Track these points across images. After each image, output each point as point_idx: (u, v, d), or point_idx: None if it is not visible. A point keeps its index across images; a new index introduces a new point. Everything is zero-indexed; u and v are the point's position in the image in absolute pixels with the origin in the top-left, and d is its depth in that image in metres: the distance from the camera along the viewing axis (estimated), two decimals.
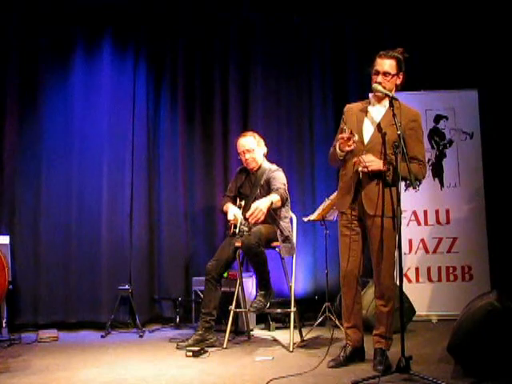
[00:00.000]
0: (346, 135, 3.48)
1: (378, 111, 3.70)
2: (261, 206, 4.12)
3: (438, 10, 5.95)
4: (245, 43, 6.05)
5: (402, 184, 3.60)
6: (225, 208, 4.68)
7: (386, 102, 3.65)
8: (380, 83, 3.60)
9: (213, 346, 4.33)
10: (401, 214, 3.48)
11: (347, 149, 3.53)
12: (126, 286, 5.23)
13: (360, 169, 3.54)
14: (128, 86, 5.69)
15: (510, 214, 5.65)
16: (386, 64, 3.62)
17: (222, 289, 4.60)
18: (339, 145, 3.57)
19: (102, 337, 4.95)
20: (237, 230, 4.43)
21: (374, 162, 3.52)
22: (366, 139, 3.63)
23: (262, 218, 4.11)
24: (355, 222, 3.67)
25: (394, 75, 3.63)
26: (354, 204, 3.65)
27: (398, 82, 3.68)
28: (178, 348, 4.32)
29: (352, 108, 3.82)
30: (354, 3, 6.01)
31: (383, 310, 3.63)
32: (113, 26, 5.67)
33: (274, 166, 4.70)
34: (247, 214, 4.15)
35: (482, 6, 5.83)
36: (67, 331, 5.17)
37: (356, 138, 3.50)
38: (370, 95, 3.80)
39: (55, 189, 5.44)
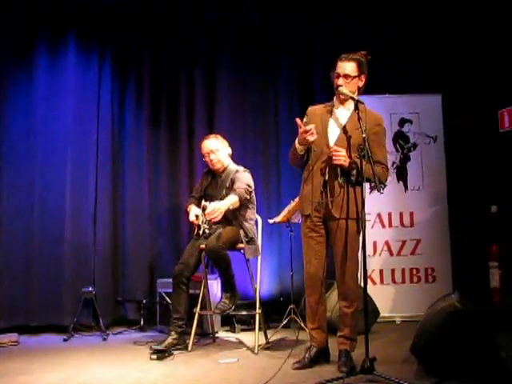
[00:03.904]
0: (308, 127, 3.50)
1: (342, 114, 3.71)
2: (218, 206, 4.26)
3: (404, 16, 6.03)
4: (210, 44, 6.02)
5: (367, 186, 3.60)
6: (188, 209, 4.70)
7: (351, 105, 3.66)
8: (341, 86, 3.62)
9: (178, 349, 4.29)
10: (365, 216, 3.52)
11: (310, 139, 3.52)
12: (90, 288, 5.15)
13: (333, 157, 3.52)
14: (93, 87, 5.60)
15: (471, 217, 5.75)
16: (346, 66, 3.63)
17: None
18: (300, 138, 3.57)
19: (65, 340, 4.88)
20: (201, 232, 4.46)
21: (343, 157, 3.52)
22: (332, 141, 3.65)
23: (219, 218, 4.26)
24: (319, 224, 3.68)
25: (354, 77, 3.65)
26: (319, 206, 3.65)
27: (361, 84, 3.70)
28: (153, 353, 4.07)
29: (315, 110, 3.82)
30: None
31: (347, 311, 3.65)
32: (77, 26, 5.58)
33: (241, 168, 4.70)
34: (205, 212, 4.29)
35: (447, 12, 5.94)
36: (28, 335, 5.07)
37: (312, 126, 3.51)
38: (335, 97, 3.80)
39: (16, 190, 5.31)
